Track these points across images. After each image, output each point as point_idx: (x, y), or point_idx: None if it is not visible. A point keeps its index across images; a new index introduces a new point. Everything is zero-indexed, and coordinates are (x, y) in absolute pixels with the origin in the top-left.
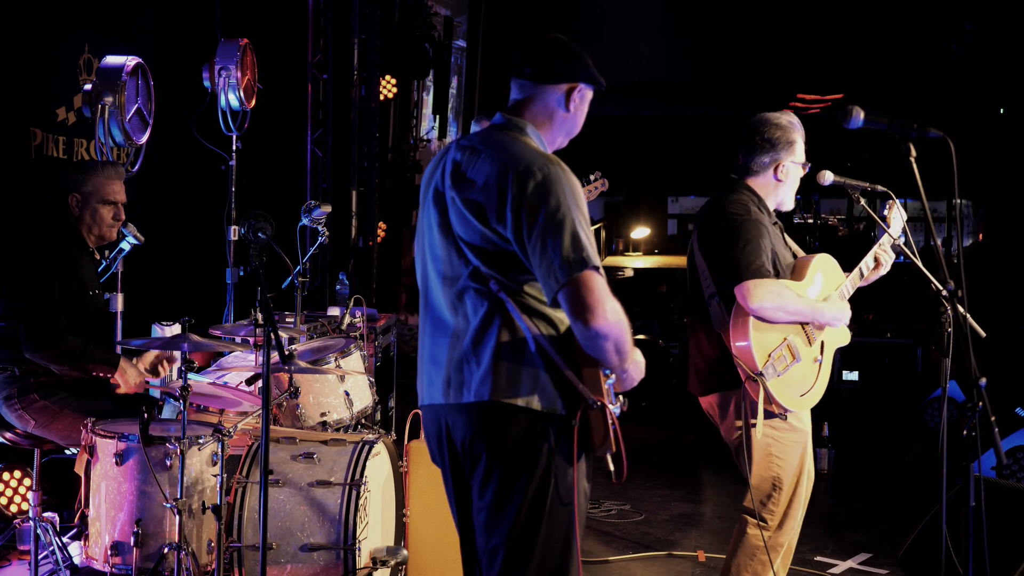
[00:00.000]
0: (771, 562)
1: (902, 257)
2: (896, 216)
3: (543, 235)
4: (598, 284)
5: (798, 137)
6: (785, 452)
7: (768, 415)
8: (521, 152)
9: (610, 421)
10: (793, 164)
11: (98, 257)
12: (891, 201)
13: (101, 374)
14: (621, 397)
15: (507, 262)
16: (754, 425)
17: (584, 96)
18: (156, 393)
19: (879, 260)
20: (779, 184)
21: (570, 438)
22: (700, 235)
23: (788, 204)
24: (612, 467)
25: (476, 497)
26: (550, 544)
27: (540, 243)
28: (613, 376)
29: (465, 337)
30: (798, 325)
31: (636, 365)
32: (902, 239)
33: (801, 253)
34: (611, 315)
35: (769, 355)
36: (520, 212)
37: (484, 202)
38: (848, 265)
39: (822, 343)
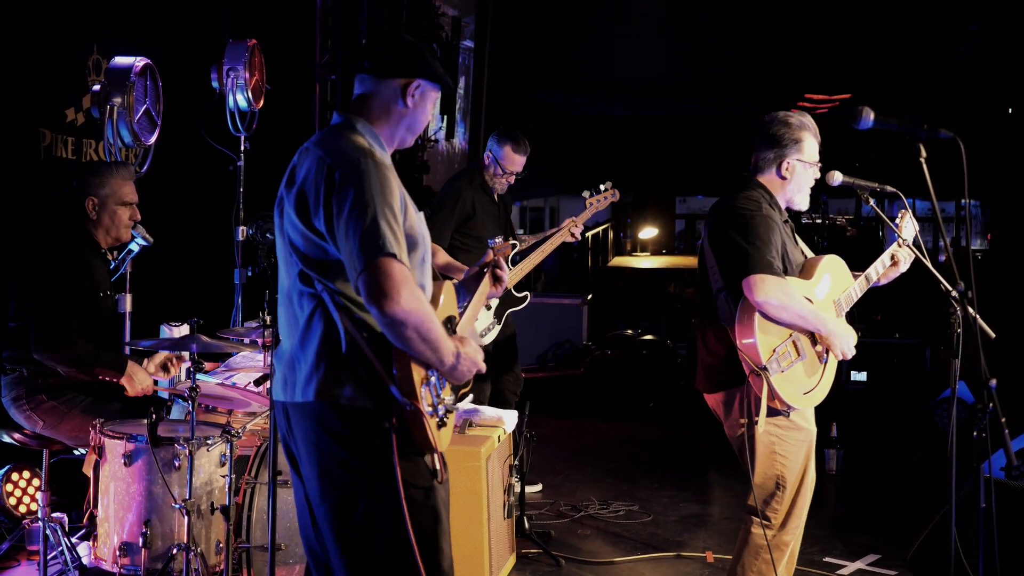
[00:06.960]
0: (774, 561)
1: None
2: (907, 225)
3: (346, 223)
4: (395, 270)
5: (806, 136)
6: (789, 451)
7: (772, 412)
8: (340, 146)
9: (425, 423)
10: (800, 163)
11: (109, 258)
12: (904, 211)
13: (108, 378)
14: (452, 392)
15: (326, 264)
16: (757, 421)
17: (425, 93)
18: (165, 394)
19: (896, 258)
20: (785, 182)
21: (388, 438)
22: (711, 230)
23: (800, 203)
24: (434, 467)
25: (311, 493)
26: (380, 543)
27: (344, 231)
28: (433, 378)
29: (295, 336)
30: None
31: (465, 359)
32: (910, 240)
33: (811, 253)
34: (407, 301)
35: (774, 350)
36: (331, 202)
37: (305, 199)
38: (856, 266)
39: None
